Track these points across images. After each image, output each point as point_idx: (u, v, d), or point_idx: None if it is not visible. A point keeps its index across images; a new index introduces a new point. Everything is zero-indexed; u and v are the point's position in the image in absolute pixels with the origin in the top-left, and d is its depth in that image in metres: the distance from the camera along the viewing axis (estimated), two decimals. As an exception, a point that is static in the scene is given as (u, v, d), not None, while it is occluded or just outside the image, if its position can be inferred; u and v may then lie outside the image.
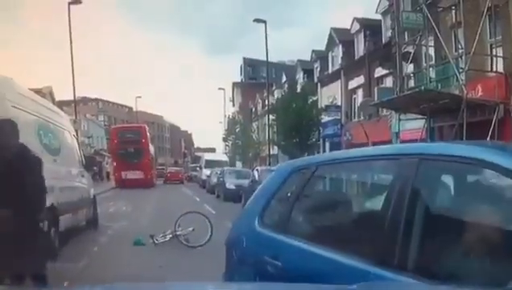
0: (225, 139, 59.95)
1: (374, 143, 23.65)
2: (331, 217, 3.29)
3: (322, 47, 34.28)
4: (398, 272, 2.26)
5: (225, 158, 46.83)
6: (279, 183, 3.67)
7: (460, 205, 2.63)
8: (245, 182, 21.47)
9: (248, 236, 3.59)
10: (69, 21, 28.99)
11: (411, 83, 19.83)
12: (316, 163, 3.62)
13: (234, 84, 71.14)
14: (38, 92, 15.79)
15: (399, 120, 20.11)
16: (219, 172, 28.43)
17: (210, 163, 38.74)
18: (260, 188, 3.99)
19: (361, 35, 27.83)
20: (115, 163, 37.61)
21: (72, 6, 29.12)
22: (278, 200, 3.63)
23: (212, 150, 68.58)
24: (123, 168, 35.31)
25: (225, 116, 63.53)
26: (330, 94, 31.83)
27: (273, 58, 45.20)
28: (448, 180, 2.67)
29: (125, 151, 35.99)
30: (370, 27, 26.91)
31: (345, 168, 3.48)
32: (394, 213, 2.43)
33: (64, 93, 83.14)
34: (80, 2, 29.52)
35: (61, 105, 30.80)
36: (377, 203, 2.80)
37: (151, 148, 41.24)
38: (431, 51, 18.53)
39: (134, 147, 36.19)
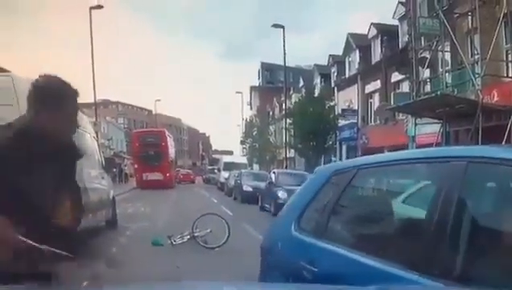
0: (242, 142, 60.20)
1: (390, 147, 23.80)
2: (372, 222, 3.12)
3: (339, 52, 34.45)
4: (444, 281, 2.11)
5: (243, 160, 46.86)
6: (318, 187, 3.52)
7: (510, 210, 2.38)
8: (262, 184, 21.64)
9: (284, 240, 3.50)
10: (90, 25, 29.39)
11: (427, 88, 19.90)
12: (357, 167, 3.36)
13: (252, 88, 71.41)
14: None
15: (415, 124, 20.16)
16: (236, 175, 28.63)
17: (229, 166, 38.94)
18: (297, 192, 3.87)
19: (378, 41, 27.92)
20: (136, 165, 38.94)
21: (93, 11, 29.53)
22: (316, 205, 3.45)
23: (230, 152, 68.84)
24: (144, 170, 36.78)
25: (243, 119, 63.81)
26: (347, 98, 31.92)
27: (290, 62, 45.31)
28: (497, 183, 2.51)
29: (145, 154, 37.22)
30: (387, 33, 26.99)
31: (388, 171, 3.27)
32: (440, 218, 2.30)
33: (84, 96, 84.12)
34: (102, 7, 30.02)
35: (82, 107, 31.06)
36: (421, 208, 2.70)
37: (171, 151, 42.33)
38: (448, 56, 18.59)
39: (154, 150, 37.38)
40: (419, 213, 2.66)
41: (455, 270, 2.15)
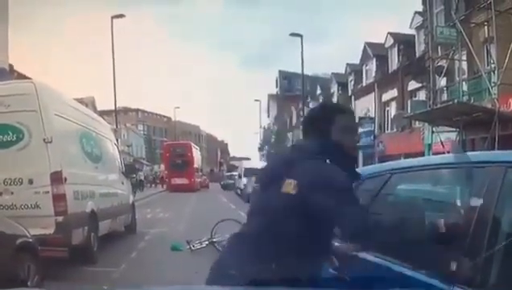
0: (260, 149, 60.38)
1: (407, 155, 23.78)
2: (404, 229, 2.66)
3: (356, 60, 34.48)
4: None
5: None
6: None
7: None
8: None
9: None
10: (112, 34, 29.91)
11: (444, 96, 19.93)
12: (390, 171, 3.33)
13: (270, 96, 71.52)
14: (80, 101, 16.29)
15: (432, 132, 20.17)
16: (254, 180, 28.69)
17: (249, 172, 39.02)
18: None
19: (395, 50, 27.97)
20: (167, 172, 46.68)
21: (114, 20, 30.02)
22: None
23: (248, 159, 69.00)
24: (173, 176, 43.90)
25: (261, 127, 64.00)
26: (364, 107, 31.96)
27: (308, 71, 45.38)
28: None
29: (174, 163, 44.33)
30: (404, 42, 27.03)
31: (420, 176, 3.17)
32: (477, 226, 2.19)
33: (105, 103, 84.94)
34: (124, 16, 30.52)
35: (102, 114, 31.70)
36: (455, 214, 2.43)
37: (197, 160, 49.76)
38: (464, 65, 18.61)
39: (182, 160, 44.62)
40: (454, 220, 2.39)
41: (490, 279, 2.09)
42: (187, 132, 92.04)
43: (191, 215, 19.65)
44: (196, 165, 48.32)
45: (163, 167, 54.74)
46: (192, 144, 51.88)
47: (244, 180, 37.48)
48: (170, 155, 46.93)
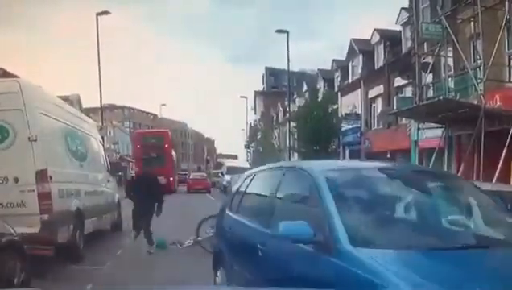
0: (246, 146, 60.34)
1: (393, 151, 23.90)
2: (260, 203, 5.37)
3: (342, 57, 34.54)
4: None
5: (245, 165, 47.23)
6: (242, 182, 6.04)
7: None
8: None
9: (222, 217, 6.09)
10: (97, 31, 29.61)
11: (430, 93, 19.96)
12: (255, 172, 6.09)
13: (256, 93, 71.55)
14: (65, 99, 16.13)
15: (418, 129, 20.25)
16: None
17: (231, 170, 39.07)
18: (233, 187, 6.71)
19: (381, 46, 28.06)
20: (137, 168, 34.97)
21: (99, 17, 29.72)
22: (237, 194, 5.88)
23: (234, 156, 69.07)
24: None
25: (247, 123, 63.96)
26: (350, 103, 32.06)
27: (294, 67, 45.50)
28: None
29: (148, 157, 34.00)
30: (390, 38, 27.13)
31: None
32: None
33: (91, 101, 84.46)
34: (109, 13, 30.20)
35: (88, 112, 31.56)
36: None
37: (174, 154, 40.81)
38: (450, 61, 18.67)
39: (157, 153, 34.79)
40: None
41: None
42: (174, 129, 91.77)
43: (175, 212, 19.53)
44: (174, 160, 39.61)
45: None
46: (170, 133, 41.09)
47: (227, 177, 37.70)
48: (142, 146, 36.07)
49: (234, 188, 6.20)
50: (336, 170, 4.35)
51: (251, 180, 5.63)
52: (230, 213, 5.67)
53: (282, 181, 4.58)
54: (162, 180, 32.30)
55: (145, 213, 10.48)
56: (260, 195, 5.22)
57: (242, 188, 5.75)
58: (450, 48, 18.26)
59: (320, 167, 4.27)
